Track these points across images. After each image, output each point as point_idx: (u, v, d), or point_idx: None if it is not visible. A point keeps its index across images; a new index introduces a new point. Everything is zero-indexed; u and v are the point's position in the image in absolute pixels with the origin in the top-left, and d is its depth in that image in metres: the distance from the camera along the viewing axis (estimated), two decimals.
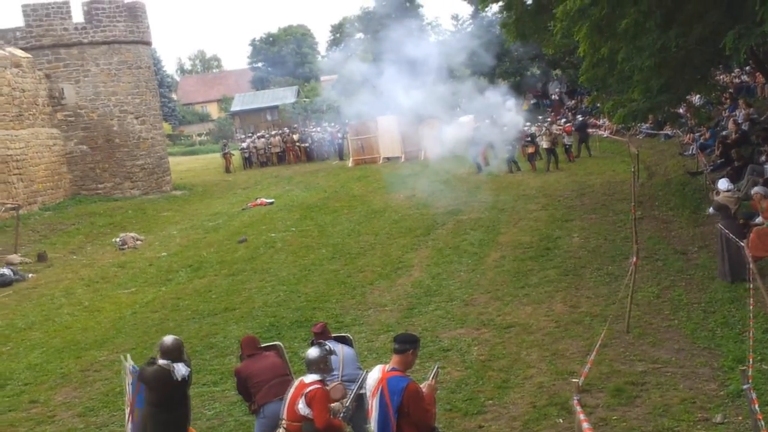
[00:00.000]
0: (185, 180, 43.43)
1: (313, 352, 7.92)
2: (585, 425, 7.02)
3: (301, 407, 7.44)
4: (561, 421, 9.37)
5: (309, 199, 30.71)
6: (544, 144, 32.15)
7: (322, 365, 7.84)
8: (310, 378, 7.66)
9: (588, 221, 20.56)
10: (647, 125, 33.45)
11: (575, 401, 7.50)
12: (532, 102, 52.57)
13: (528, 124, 35.65)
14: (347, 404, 7.75)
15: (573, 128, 34.96)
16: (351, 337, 9.67)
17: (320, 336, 9.11)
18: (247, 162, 49.34)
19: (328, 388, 7.68)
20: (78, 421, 11.43)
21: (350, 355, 9.05)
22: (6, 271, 22.23)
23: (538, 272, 16.26)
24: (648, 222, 19.49)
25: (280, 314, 15.48)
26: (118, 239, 26.52)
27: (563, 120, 37.27)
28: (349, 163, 41.76)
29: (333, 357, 8.44)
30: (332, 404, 7.58)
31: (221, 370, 12.67)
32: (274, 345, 9.48)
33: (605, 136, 38.32)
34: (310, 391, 7.47)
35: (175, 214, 32.71)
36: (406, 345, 7.03)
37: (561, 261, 16.91)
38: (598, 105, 30.99)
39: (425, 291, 15.95)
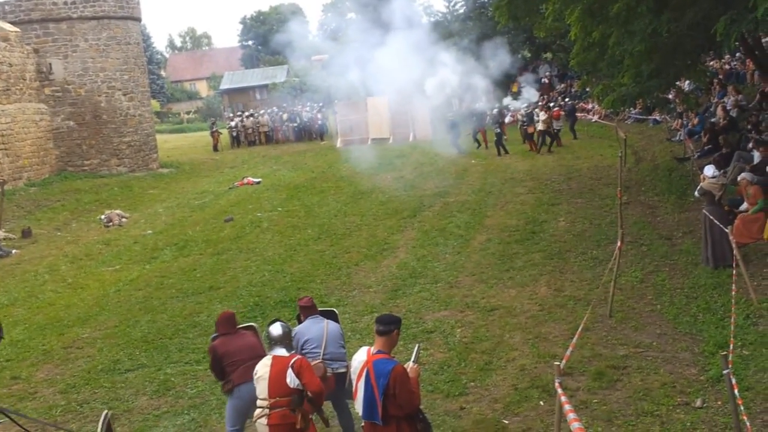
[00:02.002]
0: (172, 158, 43.22)
1: (276, 329, 7.85)
2: (566, 407, 7.02)
3: (291, 380, 7.40)
4: (542, 403, 9.42)
5: (296, 179, 30.64)
6: (540, 126, 32.22)
7: (287, 341, 7.82)
8: (283, 352, 7.63)
9: (574, 205, 20.59)
10: (636, 110, 33.45)
11: (557, 384, 7.50)
12: (521, 86, 52.45)
13: (526, 105, 35.88)
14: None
15: (563, 113, 34.98)
16: (337, 312, 9.65)
17: (307, 310, 9.08)
18: (236, 141, 49.18)
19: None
20: (60, 398, 11.40)
21: (334, 332, 9.00)
22: (1, 251, 22.10)
23: (523, 255, 16.28)
24: (634, 207, 19.53)
25: (265, 294, 15.46)
26: (103, 216, 26.40)
27: (552, 104, 37.19)
28: (338, 143, 41.66)
29: (315, 335, 8.46)
30: None
31: (204, 348, 12.56)
32: (250, 325, 9.40)
33: (594, 120, 38.33)
34: (295, 362, 7.45)
35: (161, 192, 32.59)
36: (390, 326, 7.01)
37: (546, 245, 16.93)
38: (588, 89, 31.05)
39: (410, 273, 15.95)
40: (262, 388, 7.56)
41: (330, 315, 9.30)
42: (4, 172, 30.17)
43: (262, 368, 7.60)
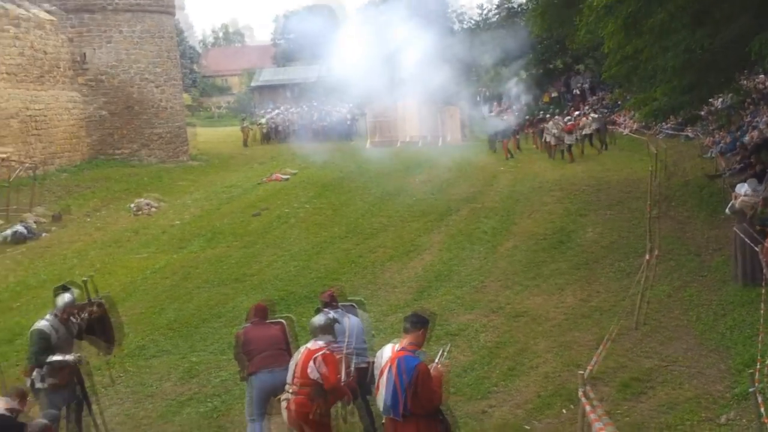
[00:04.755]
0: (203, 151, 43.50)
1: (318, 319, 8.01)
2: (591, 416, 7.01)
3: (312, 371, 7.49)
4: (565, 411, 9.40)
5: (325, 178, 30.72)
6: (549, 139, 32.47)
7: (326, 332, 7.89)
8: (317, 344, 7.72)
9: (603, 216, 20.49)
10: (669, 125, 33.26)
11: (581, 393, 7.50)
12: (553, 95, 52.37)
13: (542, 113, 36.02)
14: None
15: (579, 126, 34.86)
16: (363, 301, 9.64)
17: (328, 305, 9.12)
18: (266, 137, 49.42)
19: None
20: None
21: (358, 326, 9.02)
22: (21, 228, 22.37)
23: (550, 264, 16.25)
24: (664, 221, 19.36)
25: (291, 289, 15.55)
26: (133, 205, 26.63)
27: (567, 118, 36.81)
28: (367, 144, 41.73)
29: (337, 326, 8.50)
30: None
31: (228, 339, 12.69)
32: (281, 320, 9.44)
33: (626, 133, 38.14)
34: (320, 354, 7.53)
35: (191, 183, 32.80)
36: (418, 324, 7.07)
37: (574, 254, 16.89)
38: (620, 102, 30.95)
39: (436, 275, 15.97)
40: (290, 374, 7.75)
41: (353, 308, 9.30)
42: (36, 156, 30.53)
43: (296, 355, 7.75)
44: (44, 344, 8.56)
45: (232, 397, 10.52)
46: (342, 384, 7.60)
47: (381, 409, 7.04)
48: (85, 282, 9.42)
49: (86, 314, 9.16)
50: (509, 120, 37.29)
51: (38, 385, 8.45)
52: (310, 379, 7.56)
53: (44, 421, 7.13)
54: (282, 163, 37.52)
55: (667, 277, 14.77)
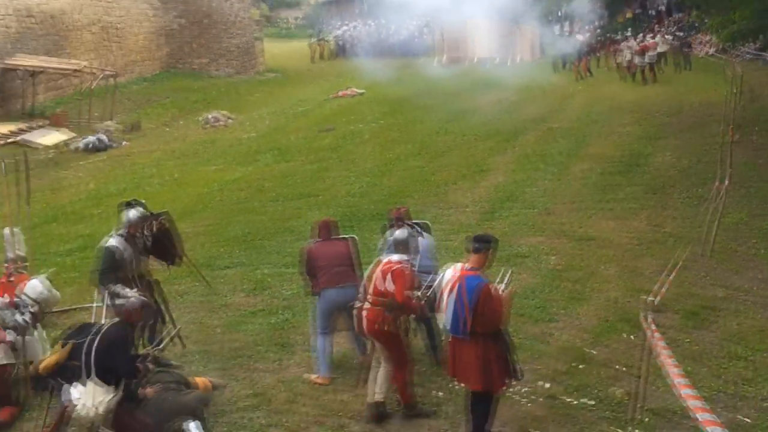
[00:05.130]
0: (277, 63, 43.50)
1: (401, 233, 8.08)
2: (659, 344, 6.99)
3: (387, 284, 7.61)
4: (632, 338, 9.36)
5: (395, 95, 30.51)
6: (626, 58, 31.59)
7: (404, 247, 7.99)
8: (396, 257, 7.82)
9: (681, 140, 20.01)
10: (749, 49, 31.99)
11: (648, 319, 7.46)
12: (628, 16, 50.50)
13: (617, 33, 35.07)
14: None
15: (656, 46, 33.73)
16: (429, 224, 9.65)
17: (397, 221, 9.15)
18: (340, 51, 49.09)
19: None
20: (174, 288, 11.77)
21: (425, 245, 9.06)
22: (101, 136, 22.88)
23: (624, 188, 16.00)
24: (743, 147, 18.77)
25: (361, 205, 15.66)
26: (208, 116, 26.93)
27: (648, 36, 35.62)
28: (442, 60, 41.19)
29: (420, 239, 8.56)
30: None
31: (298, 252, 12.93)
32: (348, 237, 9.44)
33: (707, 54, 36.85)
34: (395, 268, 7.64)
35: (265, 96, 32.98)
36: (484, 244, 7.12)
37: (649, 178, 16.58)
38: (697, 24, 29.80)
39: (506, 196, 15.89)
40: (364, 286, 7.92)
41: (422, 227, 9.32)
42: (116, 65, 30.96)
43: (372, 267, 7.93)
44: (110, 262, 8.60)
45: (300, 311, 10.72)
46: (412, 300, 7.68)
47: (445, 327, 7.16)
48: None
49: (152, 228, 9.13)
50: (581, 40, 36.34)
51: (108, 302, 8.56)
52: (385, 290, 7.69)
53: (142, 298, 7.41)
54: (351, 79, 37.35)
55: (741, 205, 14.43)
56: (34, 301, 8.09)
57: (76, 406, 6.72)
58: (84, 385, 6.75)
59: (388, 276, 7.65)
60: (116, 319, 7.14)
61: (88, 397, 6.70)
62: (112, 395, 6.76)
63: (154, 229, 9.14)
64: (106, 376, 6.76)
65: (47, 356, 7.27)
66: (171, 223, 9.55)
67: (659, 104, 25.70)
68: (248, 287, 11.76)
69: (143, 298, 7.49)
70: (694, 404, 6.06)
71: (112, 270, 8.57)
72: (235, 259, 13.05)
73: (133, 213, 8.98)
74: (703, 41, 38.88)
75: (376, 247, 9.40)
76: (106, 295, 8.34)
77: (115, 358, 6.76)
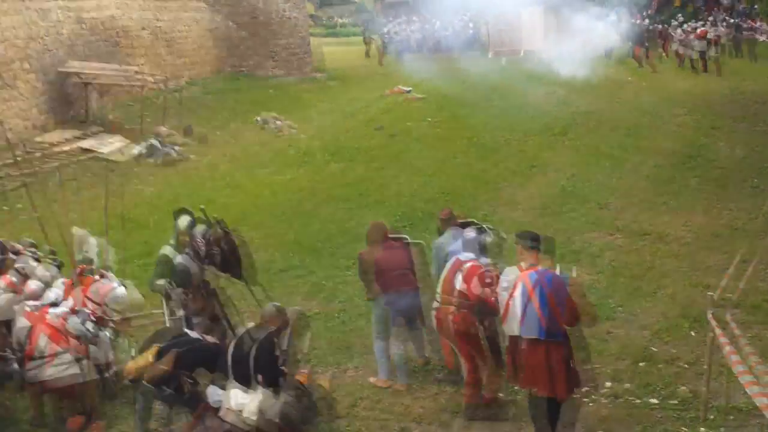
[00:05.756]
0: (326, 63, 43.64)
1: (472, 233, 8.16)
2: (721, 339, 6.91)
3: (476, 286, 7.63)
4: (693, 334, 9.27)
5: (446, 90, 30.40)
6: (677, 46, 31.25)
7: (479, 247, 8.05)
8: (466, 256, 7.84)
9: (737, 130, 19.70)
10: None
11: (710, 315, 7.38)
12: (675, 5, 49.64)
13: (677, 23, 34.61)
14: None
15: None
16: (478, 222, 9.59)
17: (446, 222, 9.17)
18: (387, 48, 49.08)
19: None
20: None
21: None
22: (154, 142, 23.02)
23: (679, 180, 15.84)
24: None
25: (414, 204, 15.70)
26: (259, 119, 27.11)
27: (700, 23, 35.13)
28: (489, 54, 40.98)
29: (456, 248, 8.57)
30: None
31: (353, 255, 12.95)
32: (403, 236, 9.44)
33: (762, 40, 36.13)
34: (467, 267, 7.68)
35: (315, 96, 33.07)
36: (539, 242, 7.13)
37: (705, 170, 16.39)
38: (756, 7, 29.27)
39: (560, 192, 15.83)
40: (440, 282, 8.00)
41: (468, 226, 9.26)
42: (167, 69, 31.28)
43: (447, 266, 8.03)
44: (163, 269, 8.65)
45: (358, 313, 10.79)
46: (488, 298, 7.64)
47: (513, 330, 7.00)
48: (202, 209, 9.29)
49: (212, 237, 8.83)
50: (636, 28, 35.90)
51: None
52: (455, 288, 7.70)
53: (276, 304, 7.54)
54: (404, 76, 37.31)
55: None
56: (97, 304, 8.20)
57: (222, 409, 6.89)
58: (231, 389, 6.92)
59: (476, 278, 7.64)
60: (253, 325, 7.32)
61: (232, 400, 6.87)
62: (253, 399, 6.86)
63: (223, 244, 8.82)
64: (252, 380, 6.91)
65: (133, 361, 7.45)
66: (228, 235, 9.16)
67: (714, 93, 25.39)
68: (304, 290, 11.89)
69: (277, 304, 7.56)
70: (762, 401, 5.99)
71: (163, 276, 8.63)
72: (291, 262, 13.17)
73: (186, 219, 8.98)
74: (755, 28, 38.12)
75: (429, 247, 9.43)
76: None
77: (263, 362, 6.94)
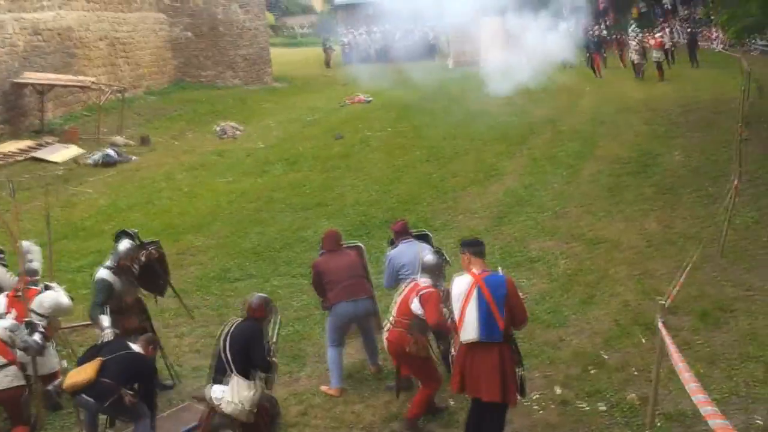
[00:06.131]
0: (286, 72, 43.58)
1: (431, 257, 8.05)
2: (670, 347, 6.95)
3: (415, 306, 7.61)
4: (644, 341, 9.32)
5: (406, 99, 30.45)
6: (633, 56, 31.75)
7: (437, 271, 7.98)
8: (424, 281, 7.79)
9: (691, 139, 19.95)
10: (763, 42, 31.88)
11: (660, 322, 7.43)
12: (642, 10, 50.42)
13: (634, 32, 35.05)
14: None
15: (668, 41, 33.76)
16: (431, 235, 9.59)
17: (400, 234, 9.15)
18: (348, 57, 49.15)
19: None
20: (171, 302, 11.83)
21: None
22: (110, 151, 22.91)
23: (634, 189, 15.96)
24: (754, 144, 18.57)
25: (371, 213, 15.69)
26: (218, 128, 26.98)
27: (657, 33, 35.72)
28: (449, 64, 41.18)
29: (410, 260, 8.63)
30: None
31: (309, 263, 12.93)
32: (356, 245, 9.49)
33: (717, 50, 36.74)
34: (424, 293, 7.62)
35: (274, 106, 33.02)
36: (484, 248, 7.15)
37: (659, 179, 16.54)
38: (712, 17, 29.74)
39: (517, 200, 15.88)
40: (394, 305, 7.95)
41: (424, 238, 9.27)
42: (124, 80, 31.08)
43: (403, 288, 7.98)
44: (106, 294, 8.48)
45: (313, 321, 10.74)
46: (446, 321, 7.59)
47: (470, 336, 6.84)
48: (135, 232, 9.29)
49: (144, 258, 9.00)
50: (594, 38, 36.37)
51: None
52: (412, 313, 7.67)
53: (262, 295, 7.57)
54: (362, 84, 37.33)
55: (755, 203, 14.36)
56: (42, 316, 8.07)
57: (220, 404, 6.89)
58: (227, 383, 6.96)
59: (415, 297, 7.64)
60: (239, 319, 7.34)
61: (233, 394, 6.90)
62: (254, 390, 6.97)
63: (143, 259, 9.01)
64: (246, 372, 7.00)
65: (74, 374, 7.30)
66: (161, 253, 9.43)
67: (668, 102, 25.66)
68: None
69: (264, 295, 7.63)
70: (706, 410, 6.01)
71: (106, 302, 8.44)
72: (246, 271, 13.09)
73: (122, 245, 8.84)
74: (711, 37, 38.78)
75: (383, 251, 9.40)
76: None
77: (251, 353, 7.03)
